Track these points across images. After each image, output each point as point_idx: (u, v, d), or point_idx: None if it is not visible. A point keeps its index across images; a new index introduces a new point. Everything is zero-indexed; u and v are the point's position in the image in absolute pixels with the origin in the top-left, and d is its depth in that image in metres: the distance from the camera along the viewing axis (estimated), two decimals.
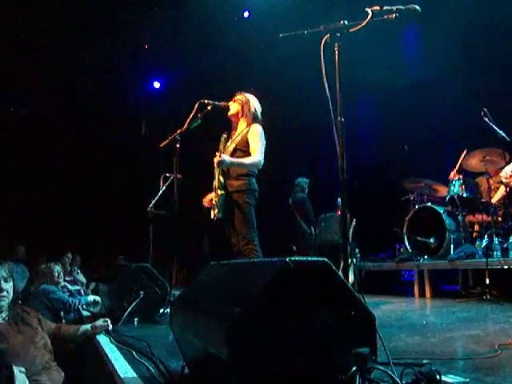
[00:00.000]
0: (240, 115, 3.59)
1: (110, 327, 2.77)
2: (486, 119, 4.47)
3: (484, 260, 4.35)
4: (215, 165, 3.35)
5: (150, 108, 8.95)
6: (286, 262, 1.11)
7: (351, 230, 6.00)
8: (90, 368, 2.56)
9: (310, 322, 1.11)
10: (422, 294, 5.25)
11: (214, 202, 3.47)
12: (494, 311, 3.74)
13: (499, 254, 4.52)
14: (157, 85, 9.36)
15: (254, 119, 3.54)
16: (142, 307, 3.19)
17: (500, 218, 4.78)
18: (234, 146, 3.52)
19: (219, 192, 3.41)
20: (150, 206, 5.45)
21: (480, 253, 4.68)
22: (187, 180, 5.04)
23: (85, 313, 4.07)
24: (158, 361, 1.84)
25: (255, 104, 3.62)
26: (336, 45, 1.89)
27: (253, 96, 3.66)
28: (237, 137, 3.57)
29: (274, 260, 1.17)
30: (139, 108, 8.99)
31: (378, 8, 2.01)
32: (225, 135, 3.55)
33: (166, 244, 5.11)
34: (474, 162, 4.85)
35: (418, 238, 5.29)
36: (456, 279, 5.45)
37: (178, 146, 3.72)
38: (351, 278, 5.78)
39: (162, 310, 3.36)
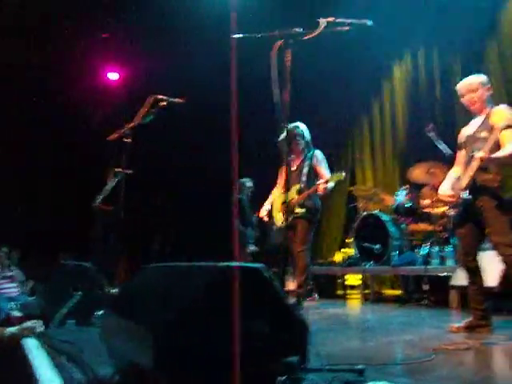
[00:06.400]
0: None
1: (42, 330, 2.62)
2: (431, 133, 4.67)
3: (423, 267, 4.56)
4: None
5: (104, 100, 8.65)
6: (219, 267, 1.08)
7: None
8: (15, 374, 2.41)
9: (241, 330, 1.09)
10: (367, 299, 5.42)
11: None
12: (431, 316, 3.92)
13: (437, 261, 4.74)
14: (113, 76, 9.04)
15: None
16: (79, 309, 3.04)
17: (440, 228, 5.01)
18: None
19: (298, 210, 4.16)
20: (97, 201, 5.25)
21: (420, 260, 4.89)
22: (139, 176, 4.92)
23: (16, 313, 3.84)
24: (87, 367, 1.75)
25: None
26: (288, 51, 1.90)
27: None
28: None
29: (208, 265, 1.14)
30: (92, 99, 8.66)
31: (332, 19, 2.04)
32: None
33: (113, 242, 4.96)
34: (419, 173, 5.05)
35: (364, 244, 5.45)
36: (398, 285, 5.67)
37: (128, 140, 3.62)
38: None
39: (100, 312, 3.24)
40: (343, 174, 4.19)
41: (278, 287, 1.20)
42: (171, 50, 7.04)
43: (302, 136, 4.32)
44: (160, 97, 3.51)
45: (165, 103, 3.47)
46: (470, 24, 5.56)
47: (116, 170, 5.25)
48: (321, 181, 4.13)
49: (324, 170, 4.30)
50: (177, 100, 3.56)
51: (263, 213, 4.58)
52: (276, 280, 1.19)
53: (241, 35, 1.90)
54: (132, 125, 3.56)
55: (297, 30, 1.90)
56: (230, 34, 1.87)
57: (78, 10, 7.31)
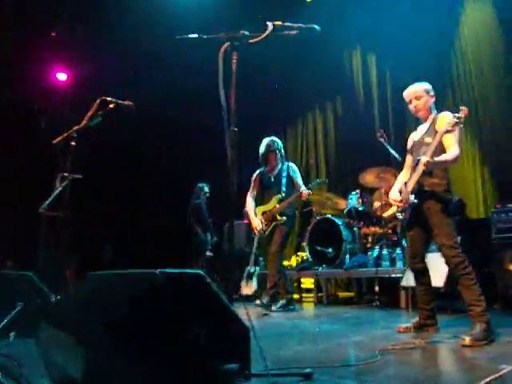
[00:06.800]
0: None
1: None
2: (382, 140, 4.82)
3: (374, 269, 4.68)
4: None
5: (52, 101, 8.31)
6: (155, 274, 1.05)
7: (256, 238, 6.10)
8: None
9: (178, 338, 1.05)
10: (320, 301, 5.49)
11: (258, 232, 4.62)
12: (381, 317, 4.02)
13: (388, 263, 4.89)
14: (62, 77, 8.71)
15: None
16: (20, 321, 2.86)
17: (390, 231, 5.17)
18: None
19: (279, 218, 4.53)
20: (43, 207, 5.00)
21: (371, 262, 5.02)
22: (90, 181, 4.75)
23: None
24: (25, 382, 1.65)
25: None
26: (235, 54, 1.89)
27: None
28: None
29: (143, 272, 1.10)
30: (40, 100, 8.30)
31: (279, 23, 2.05)
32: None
33: (60, 249, 4.75)
34: (370, 178, 5.20)
35: (318, 248, 5.53)
36: (351, 287, 5.79)
37: (73, 143, 3.47)
38: (255, 286, 5.88)
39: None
40: (326, 180, 4.68)
41: (218, 293, 1.17)
42: (121, 51, 6.89)
43: (279, 149, 4.69)
44: (108, 99, 3.39)
45: (113, 106, 3.36)
46: (425, 29, 5.79)
47: (63, 174, 5.04)
48: (303, 188, 4.49)
49: (299, 180, 4.69)
50: (126, 103, 3.45)
51: (259, 226, 4.71)
52: (216, 286, 1.16)
53: (186, 36, 1.87)
54: (78, 127, 3.41)
55: (243, 32, 1.90)
56: (176, 36, 1.84)
57: (27, 9, 7.02)
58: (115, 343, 1.04)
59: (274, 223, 4.59)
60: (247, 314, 1.55)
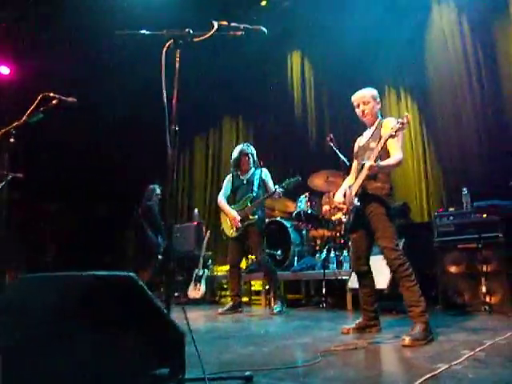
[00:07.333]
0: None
1: None
2: (331, 144, 4.92)
3: (322, 271, 4.76)
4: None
5: None
6: (85, 276, 0.99)
7: (205, 241, 6.05)
8: None
9: (107, 342, 1.00)
10: (270, 303, 5.51)
11: (237, 224, 4.65)
12: (328, 319, 4.07)
13: (335, 266, 4.98)
14: (4, 70, 8.25)
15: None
16: None
17: (338, 234, 5.27)
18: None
19: (251, 217, 4.64)
20: None
21: (319, 265, 5.10)
22: (31, 180, 4.51)
23: None
24: None
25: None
26: (178, 52, 1.85)
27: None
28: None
29: (73, 274, 1.04)
30: None
31: (225, 23, 2.03)
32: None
33: None
34: (319, 181, 5.29)
35: (267, 250, 5.54)
36: (300, 289, 5.86)
37: (12, 140, 3.28)
38: (203, 289, 5.82)
39: None
40: (299, 178, 4.68)
41: (151, 296, 1.13)
42: (67, 47, 6.64)
43: (252, 155, 4.88)
44: (51, 95, 3.23)
45: (55, 102, 3.20)
46: (382, 35, 5.94)
47: (2, 172, 4.75)
48: (276, 187, 4.66)
49: (271, 183, 4.88)
50: (70, 99, 3.29)
51: (238, 217, 4.74)
52: (147, 288, 1.12)
53: (127, 32, 1.82)
54: (17, 124, 3.22)
55: (187, 30, 1.87)
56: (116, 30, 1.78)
57: None
58: (39, 347, 0.98)
59: (246, 222, 4.67)
60: (185, 317, 1.52)
